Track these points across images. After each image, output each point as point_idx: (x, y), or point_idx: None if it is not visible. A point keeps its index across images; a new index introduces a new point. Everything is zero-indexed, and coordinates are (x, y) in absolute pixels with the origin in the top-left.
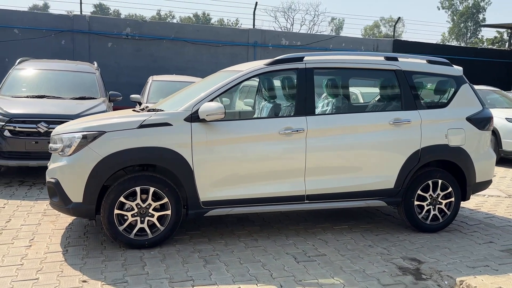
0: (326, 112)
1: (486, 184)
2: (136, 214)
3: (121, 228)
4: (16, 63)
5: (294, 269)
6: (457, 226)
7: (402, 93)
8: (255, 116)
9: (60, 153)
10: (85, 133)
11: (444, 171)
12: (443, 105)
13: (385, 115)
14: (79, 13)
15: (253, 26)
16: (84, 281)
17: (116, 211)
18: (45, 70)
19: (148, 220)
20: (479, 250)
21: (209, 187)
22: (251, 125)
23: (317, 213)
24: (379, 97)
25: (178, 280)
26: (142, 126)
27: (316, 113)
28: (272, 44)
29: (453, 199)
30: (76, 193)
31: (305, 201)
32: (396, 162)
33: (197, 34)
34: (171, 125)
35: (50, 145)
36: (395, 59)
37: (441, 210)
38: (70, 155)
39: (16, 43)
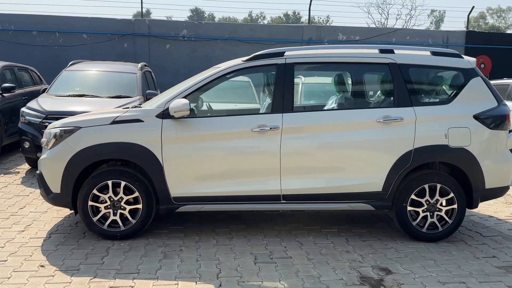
0: (310, 109)
1: (500, 190)
2: (109, 207)
3: (94, 219)
4: (68, 65)
5: (246, 269)
6: (466, 237)
7: (395, 88)
8: (234, 113)
9: (44, 147)
10: (62, 128)
11: (443, 175)
12: (446, 101)
13: (372, 112)
14: (156, 17)
15: (309, 22)
16: (42, 266)
17: (90, 203)
18: (90, 71)
19: (120, 213)
20: (471, 265)
21: (180, 183)
22: (222, 122)
23: (313, 215)
24: (369, 92)
25: (124, 272)
26: (114, 122)
27: (297, 109)
28: (328, 40)
29: (455, 206)
30: (55, 184)
31: (282, 201)
32: (384, 164)
33: (251, 33)
34: (143, 121)
35: (41, 139)
36: (391, 51)
37: (441, 218)
38: (50, 148)
39: (84, 47)
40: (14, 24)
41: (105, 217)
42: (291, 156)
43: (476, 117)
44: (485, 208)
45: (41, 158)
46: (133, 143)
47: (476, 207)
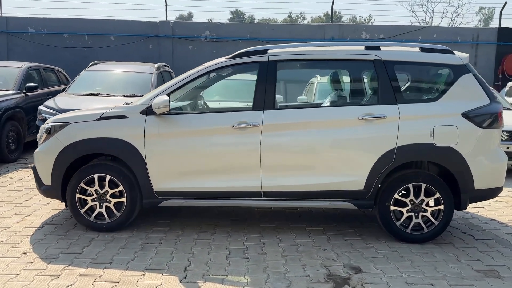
0: (291, 106)
1: (491, 192)
2: (95, 199)
3: (82, 210)
4: (88, 66)
5: (216, 263)
6: (457, 239)
7: (379, 85)
8: (218, 109)
9: (38, 141)
10: (53, 124)
11: (429, 174)
12: (434, 99)
13: (354, 110)
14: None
15: (331, 21)
16: (25, 253)
17: (78, 195)
18: (108, 71)
19: (106, 206)
20: (449, 268)
21: (162, 178)
22: (204, 119)
23: (304, 213)
24: (353, 90)
25: (98, 261)
26: (101, 118)
27: (278, 107)
28: (351, 38)
29: (442, 206)
30: (46, 177)
31: (262, 198)
32: (366, 162)
33: (272, 33)
34: (127, 117)
35: (37, 135)
36: (377, 48)
37: (427, 219)
38: (42, 143)
39: (111, 48)
40: (47, 28)
41: (92, 209)
42: (271, 153)
43: (464, 115)
44: (489, 210)
45: (35, 152)
46: (118, 138)
47: (465, 208)
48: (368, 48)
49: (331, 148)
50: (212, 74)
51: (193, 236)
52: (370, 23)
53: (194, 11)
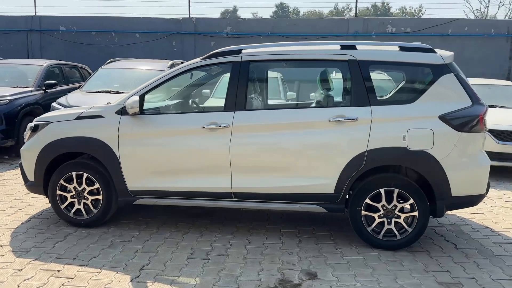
0: (262, 107)
1: (471, 199)
2: (74, 196)
3: (62, 206)
4: (105, 63)
5: (174, 264)
6: (436, 248)
7: (353, 86)
8: (190, 110)
9: (24, 139)
10: (36, 123)
11: (402, 179)
12: (410, 101)
13: (326, 112)
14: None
15: (355, 14)
16: (0, 246)
17: (58, 192)
18: (123, 68)
19: (84, 203)
20: (410, 278)
21: (136, 177)
22: (176, 119)
23: (287, 214)
24: (326, 91)
25: (63, 257)
26: (78, 117)
27: (249, 108)
28: (376, 32)
29: (416, 213)
30: (30, 173)
31: (233, 199)
32: (336, 165)
33: (294, 28)
34: (103, 117)
35: (24, 133)
36: (353, 47)
37: (401, 226)
38: (27, 140)
39: (137, 45)
40: (77, 26)
41: (72, 205)
42: (241, 155)
43: (442, 117)
44: (488, 217)
45: (21, 149)
46: (93, 137)
47: (441, 216)
48: (343, 47)
49: (301, 150)
50: (185, 74)
51: (165, 235)
52: (420, 15)
53: (240, 7)
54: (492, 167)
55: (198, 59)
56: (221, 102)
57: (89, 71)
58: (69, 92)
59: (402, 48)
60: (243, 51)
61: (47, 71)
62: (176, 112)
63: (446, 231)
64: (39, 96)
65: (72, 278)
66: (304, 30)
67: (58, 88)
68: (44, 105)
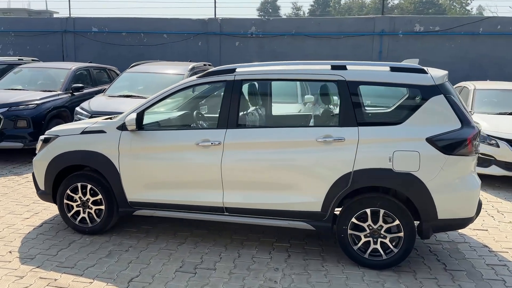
0: (253, 125)
1: (458, 222)
2: (79, 205)
3: (69, 214)
4: (129, 67)
5: (161, 277)
6: (424, 268)
7: (341, 107)
8: (186, 126)
9: (36, 150)
10: (46, 136)
11: (388, 200)
12: (398, 122)
13: (313, 131)
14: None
15: (382, 13)
16: (10, 252)
17: (65, 201)
18: (145, 72)
19: (88, 212)
20: None
21: (135, 189)
22: (171, 136)
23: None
24: (316, 110)
25: (63, 265)
26: (83, 132)
27: (241, 126)
28: (403, 31)
29: (402, 234)
30: (41, 182)
31: (225, 213)
32: (323, 184)
33: (318, 27)
34: (105, 132)
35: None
36: (343, 68)
37: (387, 246)
38: (38, 151)
39: (164, 46)
40: (108, 27)
41: (78, 214)
42: (232, 171)
43: (429, 140)
44: (492, 234)
45: (33, 159)
46: (96, 151)
47: (427, 237)
48: (334, 68)
49: (289, 168)
50: (182, 92)
51: (161, 245)
52: (469, 2)
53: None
54: (508, 178)
55: (194, 77)
56: (214, 120)
57: (117, 72)
58: (96, 94)
59: (393, 69)
60: (237, 70)
61: (75, 74)
62: (172, 129)
63: (441, 249)
64: (66, 99)
65: None
66: (329, 29)
67: (85, 91)
68: (71, 108)
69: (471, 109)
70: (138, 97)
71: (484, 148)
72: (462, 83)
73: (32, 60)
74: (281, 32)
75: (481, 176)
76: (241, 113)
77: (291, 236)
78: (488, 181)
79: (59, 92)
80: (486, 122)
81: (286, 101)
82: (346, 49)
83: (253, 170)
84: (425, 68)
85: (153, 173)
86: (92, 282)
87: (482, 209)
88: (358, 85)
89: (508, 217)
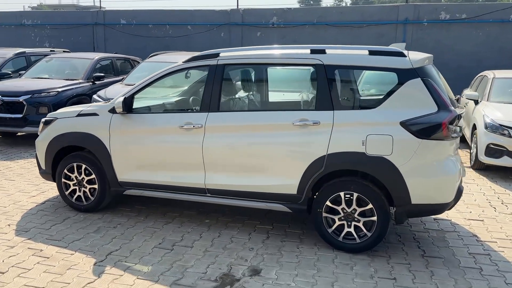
0: (233, 109)
1: (433, 208)
2: (75, 184)
3: (66, 192)
4: (148, 57)
5: (139, 252)
6: (400, 254)
7: (318, 90)
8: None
9: (38, 132)
10: (47, 118)
11: (362, 183)
12: (373, 106)
13: (290, 115)
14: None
15: (406, 1)
16: (8, 225)
17: (63, 180)
18: (162, 62)
19: (84, 190)
20: (349, 283)
21: (124, 170)
22: (157, 119)
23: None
24: (294, 94)
25: (52, 238)
26: (79, 115)
27: (223, 109)
28: (428, 19)
29: (375, 218)
30: (42, 162)
31: (207, 194)
32: (298, 167)
33: (341, 17)
34: (98, 115)
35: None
36: (322, 51)
37: (361, 229)
38: (40, 133)
39: (188, 37)
40: (136, 19)
41: (74, 192)
42: (213, 153)
43: (402, 124)
44: (486, 224)
45: (36, 140)
46: (89, 133)
47: (402, 223)
48: (313, 51)
49: (267, 151)
50: (169, 77)
51: (149, 224)
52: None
53: None
54: None
55: (180, 63)
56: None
57: (141, 62)
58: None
59: (371, 52)
60: (220, 55)
61: (97, 64)
62: (158, 112)
63: (426, 237)
64: (87, 87)
65: (48, 258)
66: (352, 18)
67: (107, 80)
68: (92, 96)
69: (487, 98)
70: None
71: (495, 138)
72: (484, 72)
73: (63, 51)
74: (302, 22)
75: (492, 167)
76: (222, 97)
77: (275, 220)
78: (501, 173)
79: (80, 81)
80: (499, 112)
81: (270, 86)
82: (368, 39)
83: (232, 152)
84: (405, 51)
85: (141, 155)
86: (73, 254)
87: (486, 201)
88: (335, 69)
89: (511, 208)
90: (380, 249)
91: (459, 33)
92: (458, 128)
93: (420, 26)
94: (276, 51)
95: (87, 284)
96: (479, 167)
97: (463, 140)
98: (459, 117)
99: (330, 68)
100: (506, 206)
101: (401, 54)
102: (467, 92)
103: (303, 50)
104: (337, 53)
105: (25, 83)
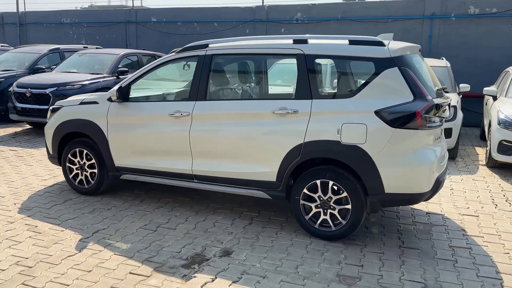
0: (219, 98)
1: (407, 198)
2: (78, 168)
3: (70, 176)
4: (170, 52)
5: (124, 231)
6: (377, 243)
7: (298, 80)
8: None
9: (47, 119)
10: (54, 106)
11: (337, 172)
12: (350, 95)
13: (271, 104)
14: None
15: None
16: (14, 204)
17: (67, 164)
18: None
19: (85, 174)
20: (314, 268)
21: (120, 155)
22: (149, 107)
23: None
24: (276, 83)
25: (49, 217)
26: (81, 103)
27: (209, 98)
28: (456, 14)
29: (349, 206)
30: (50, 147)
31: (194, 180)
32: (277, 155)
33: (365, 12)
34: (98, 103)
35: None
36: (304, 41)
37: (336, 217)
38: (48, 120)
39: (215, 34)
40: (165, 17)
41: (77, 176)
42: (199, 141)
43: (377, 112)
44: (481, 221)
45: (44, 127)
46: (89, 120)
47: (376, 211)
48: (295, 41)
49: (248, 139)
50: (161, 67)
51: (141, 207)
52: None
53: None
54: None
55: (173, 53)
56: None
57: None
58: None
59: (351, 42)
60: (209, 46)
61: (121, 59)
62: (152, 101)
63: (411, 229)
64: (111, 81)
65: (40, 233)
66: (376, 14)
67: (130, 75)
68: None
69: (506, 94)
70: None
71: (508, 135)
72: (509, 68)
73: (96, 48)
74: (326, 18)
75: (508, 165)
76: (209, 86)
77: (264, 207)
78: None
79: (105, 75)
80: None
81: (255, 75)
82: (394, 34)
83: (216, 140)
84: (385, 41)
85: (134, 141)
86: (63, 231)
87: (489, 197)
88: (315, 58)
89: None
90: (358, 239)
91: (489, 28)
92: (437, 118)
93: (448, 21)
94: (261, 42)
95: (67, 257)
96: (493, 164)
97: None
98: (438, 107)
99: (310, 57)
100: (510, 203)
101: (380, 44)
102: (486, 88)
103: (287, 40)
104: (318, 43)
105: (52, 76)
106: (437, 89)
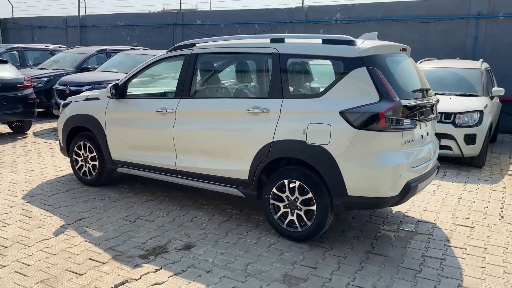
0: (200, 96)
1: (370, 201)
2: (82, 160)
3: (76, 167)
4: None
5: (104, 220)
6: (347, 247)
7: (271, 79)
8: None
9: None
10: (65, 102)
11: (303, 172)
12: (318, 95)
13: (245, 102)
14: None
15: None
16: (22, 190)
17: (74, 157)
18: None
19: (88, 166)
20: (267, 266)
21: (116, 149)
22: (140, 104)
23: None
24: (251, 82)
25: (46, 204)
26: (86, 99)
27: (193, 96)
28: (505, 13)
29: (314, 207)
30: (61, 140)
31: (178, 176)
32: (249, 153)
33: (407, 11)
34: (99, 99)
35: None
36: (281, 41)
37: (302, 218)
38: (60, 115)
39: None
40: (209, 19)
41: (82, 167)
42: (181, 137)
43: (341, 113)
44: (479, 232)
45: (57, 121)
46: (91, 115)
47: (339, 214)
48: (272, 41)
49: (223, 137)
50: (153, 66)
51: (132, 200)
52: None
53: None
54: None
55: (164, 52)
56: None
57: None
58: None
59: (324, 41)
60: (196, 45)
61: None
62: (142, 97)
63: (391, 236)
64: None
65: (30, 218)
66: (419, 13)
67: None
68: None
69: None
70: None
71: None
72: None
73: (143, 49)
74: (366, 18)
75: None
76: (193, 84)
77: (247, 206)
78: None
79: None
80: None
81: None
82: (436, 34)
83: (195, 137)
84: (358, 40)
85: (128, 136)
86: (51, 217)
87: (498, 209)
88: (288, 58)
89: None
90: (327, 241)
91: None
92: (408, 120)
93: (495, 21)
94: (242, 41)
95: (42, 240)
96: None
97: None
98: (411, 108)
99: (284, 56)
100: None
101: (352, 43)
102: (494, 88)
103: (265, 40)
104: (292, 42)
105: (91, 75)
106: (414, 90)
